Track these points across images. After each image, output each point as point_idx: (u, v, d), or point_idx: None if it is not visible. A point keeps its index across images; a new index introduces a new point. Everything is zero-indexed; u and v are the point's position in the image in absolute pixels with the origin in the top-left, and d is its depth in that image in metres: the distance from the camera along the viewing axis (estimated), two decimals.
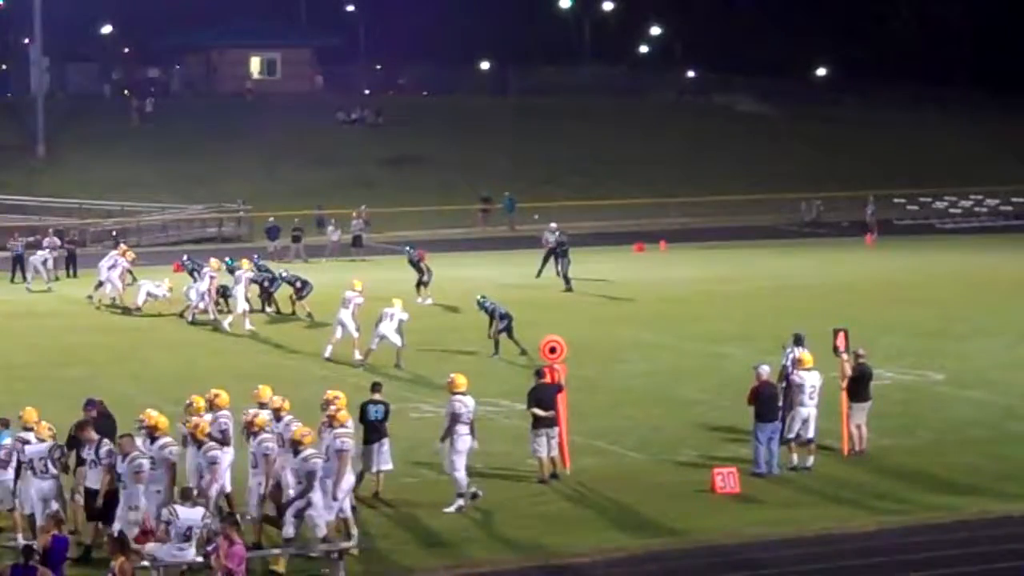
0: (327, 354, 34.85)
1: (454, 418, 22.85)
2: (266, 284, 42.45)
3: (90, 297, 44.77)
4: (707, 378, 32.64)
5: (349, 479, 20.88)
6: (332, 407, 21.59)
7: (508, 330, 35.33)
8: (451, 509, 22.35)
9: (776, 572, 19.98)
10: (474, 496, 22.57)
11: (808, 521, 21.92)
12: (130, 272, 45.41)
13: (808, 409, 24.95)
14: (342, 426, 21.19)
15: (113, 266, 44.39)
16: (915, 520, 21.97)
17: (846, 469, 24.80)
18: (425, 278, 44.56)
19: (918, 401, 30.24)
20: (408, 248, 46.72)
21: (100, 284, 44.52)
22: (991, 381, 32.25)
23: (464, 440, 22.84)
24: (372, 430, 23.10)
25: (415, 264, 44.94)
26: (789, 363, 26.03)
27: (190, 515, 18.49)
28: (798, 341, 26.64)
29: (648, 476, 24.57)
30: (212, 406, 21.89)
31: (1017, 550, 20.41)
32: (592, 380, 31.04)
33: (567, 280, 47.71)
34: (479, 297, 36.92)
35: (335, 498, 20.27)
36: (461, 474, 22.66)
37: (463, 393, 23.14)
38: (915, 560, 20.21)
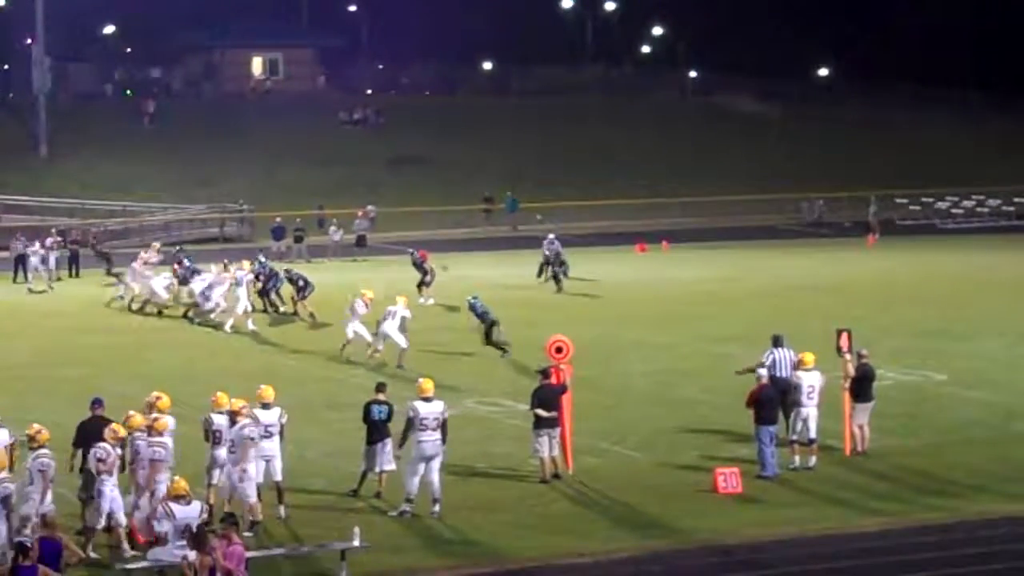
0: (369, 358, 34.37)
1: (408, 423, 22.58)
2: (263, 283, 42.34)
3: (121, 299, 44.12)
4: (709, 378, 32.60)
5: (161, 488, 20.29)
6: (152, 414, 21.22)
7: (488, 334, 35.17)
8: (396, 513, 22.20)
9: (777, 572, 19.96)
10: (401, 513, 22.18)
11: (810, 521, 21.90)
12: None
13: (807, 409, 24.93)
14: (159, 435, 20.73)
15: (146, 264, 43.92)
16: (917, 520, 21.96)
17: (848, 469, 24.78)
18: (428, 278, 44.60)
19: (920, 401, 30.23)
20: (411, 251, 46.83)
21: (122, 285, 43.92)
22: (993, 381, 32.25)
23: (420, 446, 22.43)
24: (375, 430, 23.04)
25: (418, 265, 44.97)
26: (769, 364, 25.98)
27: (187, 512, 18.49)
28: (777, 342, 26.62)
29: (649, 476, 24.55)
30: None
31: (1018, 550, 20.39)
32: (593, 380, 31.00)
33: (557, 280, 47.55)
34: (470, 298, 36.68)
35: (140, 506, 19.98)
36: (412, 480, 22.36)
37: (426, 399, 22.72)
38: (916, 560, 20.19)
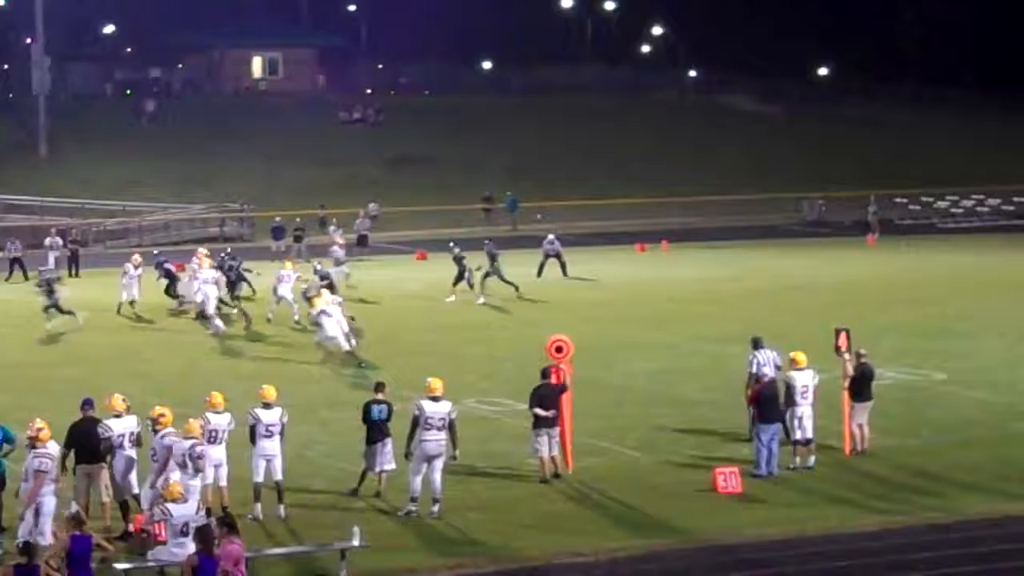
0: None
1: (414, 421, 22.53)
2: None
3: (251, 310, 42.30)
4: (708, 378, 32.60)
5: (50, 501, 20.08)
6: (36, 426, 20.69)
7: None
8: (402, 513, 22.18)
9: (777, 572, 19.96)
10: (407, 514, 22.14)
11: (809, 521, 21.90)
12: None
13: (802, 408, 24.91)
14: (44, 445, 20.41)
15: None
16: (916, 520, 21.96)
17: (848, 469, 24.78)
18: (467, 275, 44.30)
19: (920, 401, 30.22)
20: (451, 244, 46.61)
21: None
22: (993, 381, 32.24)
23: (423, 445, 22.35)
24: (375, 430, 23.01)
25: (458, 260, 44.71)
26: (754, 368, 25.98)
27: (184, 511, 18.52)
28: (756, 344, 26.59)
29: (649, 476, 24.55)
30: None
31: (1018, 550, 20.39)
32: (593, 380, 30.98)
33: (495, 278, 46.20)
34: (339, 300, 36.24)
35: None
36: (414, 479, 22.33)
37: (434, 398, 22.60)
38: (916, 560, 20.19)
